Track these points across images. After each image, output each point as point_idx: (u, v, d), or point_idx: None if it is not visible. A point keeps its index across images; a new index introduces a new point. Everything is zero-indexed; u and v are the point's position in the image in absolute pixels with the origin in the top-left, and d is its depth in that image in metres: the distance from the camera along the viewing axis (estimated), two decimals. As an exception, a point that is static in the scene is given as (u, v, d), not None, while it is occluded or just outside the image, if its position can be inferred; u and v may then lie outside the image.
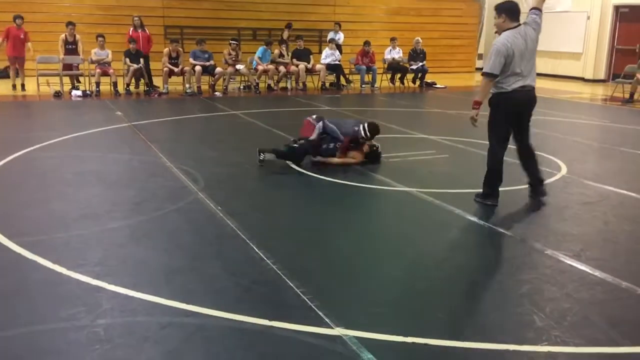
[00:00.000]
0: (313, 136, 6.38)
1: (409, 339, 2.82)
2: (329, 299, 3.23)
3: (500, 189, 5.08)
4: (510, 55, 4.74)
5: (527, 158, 5.18)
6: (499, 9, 4.92)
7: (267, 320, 2.96)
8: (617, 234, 4.47)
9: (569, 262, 3.81)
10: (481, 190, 5.12)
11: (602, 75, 17.07)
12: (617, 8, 16.77)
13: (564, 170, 6.25)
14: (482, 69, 5.68)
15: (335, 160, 6.34)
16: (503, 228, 4.40)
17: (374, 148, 6.56)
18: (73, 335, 2.82)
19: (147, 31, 12.82)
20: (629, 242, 4.31)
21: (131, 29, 12.65)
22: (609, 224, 4.71)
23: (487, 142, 5.12)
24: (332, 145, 6.40)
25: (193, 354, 2.69)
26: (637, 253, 4.08)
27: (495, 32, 5.08)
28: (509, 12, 4.87)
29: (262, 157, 6.17)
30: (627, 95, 12.55)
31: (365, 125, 6.43)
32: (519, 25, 4.87)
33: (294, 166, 6.25)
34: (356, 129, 6.42)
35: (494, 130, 5.07)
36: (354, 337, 2.83)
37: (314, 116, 6.68)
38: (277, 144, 6.78)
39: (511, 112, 4.96)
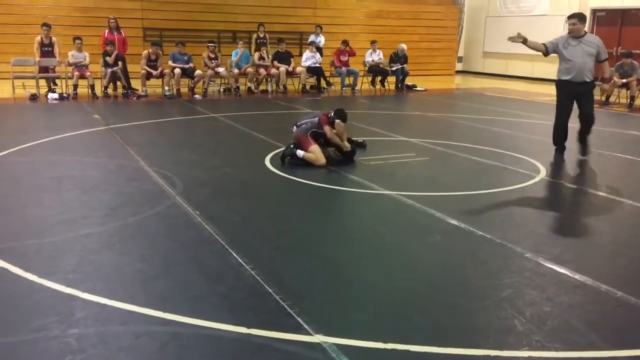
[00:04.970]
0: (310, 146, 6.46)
1: (389, 346, 2.78)
2: (309, 305, 3.18)
3: (480, 191, 5.28)
4: None
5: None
6: (582, 18, 6.96)
7: (244, 328, 2.90)
8: (595, 237, 4.49)
9: (548, 265, 3.81)
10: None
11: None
12: (594, 12, 16.99)
13: (542, 172, 6.27)
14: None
15: (330, 135, 6.48)
16: (483, 231, 4.39)
17: (359, 142, 6.92)
18: (44, 346, 2.73)
19: (122, 33, 12.66)
20: (608, 245, 4.32)
21: (106, 31, 12.48)
22: (587, 226, 4.73)
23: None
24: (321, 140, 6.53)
25: (168, 364, 2.62)
26: (616, 256, 4.10)
27: (569, 34, 6.96)
28: (585, 21, 7.03)
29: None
30: (603, 98, 12.70)
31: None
32: None
33: (274, 169, 6.20)
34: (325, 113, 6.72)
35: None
36: (334, 344, 2.78)
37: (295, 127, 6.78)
38: (258, 148, 6.74)
39: None
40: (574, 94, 6.98)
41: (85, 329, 2.88)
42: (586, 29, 18.21)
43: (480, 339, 2.89)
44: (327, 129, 6.48)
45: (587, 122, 7.01)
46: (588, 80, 6.85)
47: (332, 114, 6.61)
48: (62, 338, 2.79)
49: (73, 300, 3.17)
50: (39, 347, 2.73)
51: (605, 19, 16.86)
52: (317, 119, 6.56)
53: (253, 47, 14.15)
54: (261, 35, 14.25)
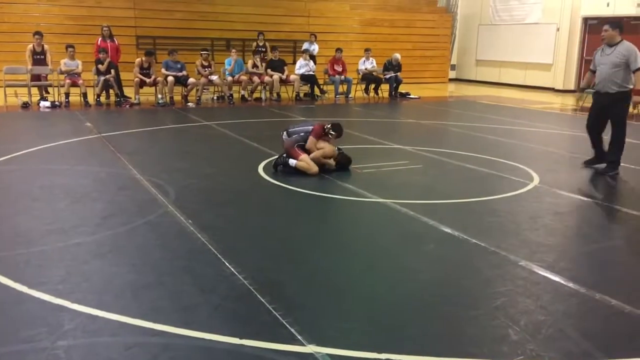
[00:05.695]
0: (298, 154, 6.37)
1: (383, 356, 2.76)
2: (302, 314, 3.14)
3: (473, 199, 5.30)
4: None
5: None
6: (614, 24, 6.49)
7: (237, 339, 2.86)
8: (589, 245, 4.48)
9: (542, 273, 3.79)
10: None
11: (572, 86, 17.37)
12: (585, 20, 17.13)
13: (536, 180, 6.28)
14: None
15: (313, 154, 6.35)
16: (477, 239, 4.38)
17: (340, 151, 6.59)
18: (32, 358, 2.69)
19: (115, 41, 12.63)
20: (602, 253, 4.32)
21: (99, 39, 12.45)
22: (581, 234, 4.72)
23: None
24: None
25: (159, 375, 2.58)
26: (610, 264, 4.09)
27: (604, 40, 6.58)
28: (622, 29, 6.49)
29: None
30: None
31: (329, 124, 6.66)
32: None
33: (267, 177, 6.17)
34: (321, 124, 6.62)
35: (626, 115, 6.63)
36: (327, 354, 2.75)
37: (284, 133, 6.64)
38: (251, 156, 6.71)
39: None
40: (600, 106, 6.68)
41: (74, 340, 2.84)
42: (577, 37, 18.24)
43: (474, 348, 2.87)
44: (310, 140, 6.38)
45: (612, 136, 6.62)
46: (611, 92, 6.44)
47: (329, 126, 6.55)
48: (51, 350, 2.74)
49: (62, 311, 3.13)
50: (27, 359, 2.68)
51: (597, 27, 16.92)
52: (310, 128, 6.51)
53: (251, 54, 14.08)
54: (260, 44, 14.26)
